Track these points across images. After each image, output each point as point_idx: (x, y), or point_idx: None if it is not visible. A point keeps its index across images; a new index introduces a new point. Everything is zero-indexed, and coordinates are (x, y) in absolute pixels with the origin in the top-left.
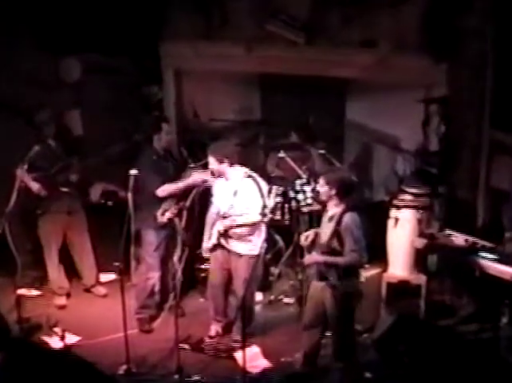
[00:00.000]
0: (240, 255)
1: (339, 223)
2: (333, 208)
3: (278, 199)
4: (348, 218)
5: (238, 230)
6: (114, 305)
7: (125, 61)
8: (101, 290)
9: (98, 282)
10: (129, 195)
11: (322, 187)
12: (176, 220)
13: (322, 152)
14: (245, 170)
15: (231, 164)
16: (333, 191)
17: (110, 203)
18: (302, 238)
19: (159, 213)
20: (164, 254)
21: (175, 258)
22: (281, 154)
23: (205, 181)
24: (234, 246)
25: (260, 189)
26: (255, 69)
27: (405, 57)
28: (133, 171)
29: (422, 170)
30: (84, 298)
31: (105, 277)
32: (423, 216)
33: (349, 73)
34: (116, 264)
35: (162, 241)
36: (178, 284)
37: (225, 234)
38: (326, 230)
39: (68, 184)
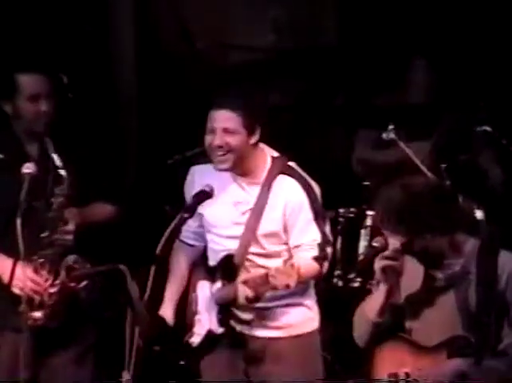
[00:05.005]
0: (271, 340)
1: (489, 276)
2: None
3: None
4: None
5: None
6: None
7: None
8: None
9: None
10: (18, 221)
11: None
12: (132, 286)
13: (488, 129)
14: (272, 152)
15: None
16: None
17: None
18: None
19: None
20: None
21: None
22: (389, 133)
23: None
24: (258, 323)
25: (314, 201)
26: None
27: None
28: (28, 167)
29: None
30: None
31: None
32: None
33: None
34: None
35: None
36: None
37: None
38: (439, 307)
39: None
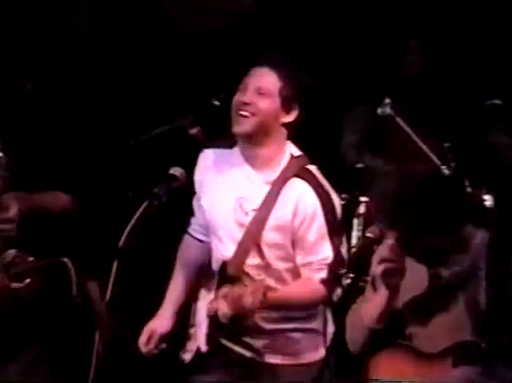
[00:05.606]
0: (273, 367)
1: (501, 273)
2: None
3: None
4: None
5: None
6: None
7: None
8: None
9: None
10: None
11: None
12: (92, 286)
13: (498, 102)
14: (294, 151)
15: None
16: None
17: None
18: None
19: None
20: None
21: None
22: (385, 107)
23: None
24: (257, 347)
25: (329, 211)
26: None
27: None
28: None
29: None
30: None
31: None
32: None
33: None
34: None
35: None
36: None
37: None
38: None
39: None
